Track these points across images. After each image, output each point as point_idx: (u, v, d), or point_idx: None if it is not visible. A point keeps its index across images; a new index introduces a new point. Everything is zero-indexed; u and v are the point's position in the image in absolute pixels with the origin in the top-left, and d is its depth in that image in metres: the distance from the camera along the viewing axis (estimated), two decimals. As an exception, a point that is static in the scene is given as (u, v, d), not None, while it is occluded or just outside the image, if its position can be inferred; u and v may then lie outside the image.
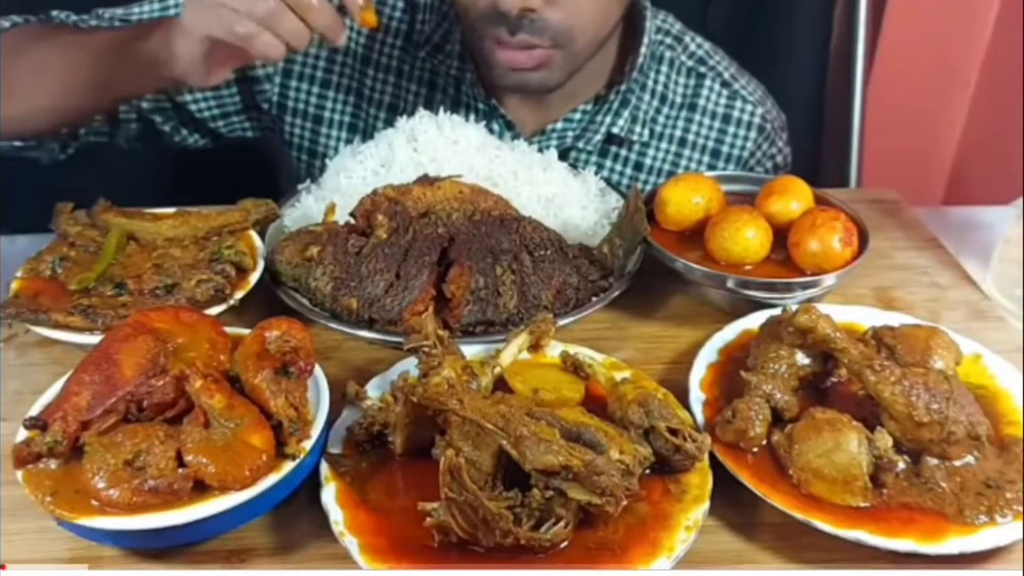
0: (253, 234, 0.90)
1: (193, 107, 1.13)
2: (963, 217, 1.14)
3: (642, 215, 0.87)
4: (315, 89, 1.15)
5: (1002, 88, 1.68)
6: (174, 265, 0.83)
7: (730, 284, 0.84)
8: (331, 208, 0.92)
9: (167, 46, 0.86)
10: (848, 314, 0.83)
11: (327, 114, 1.16)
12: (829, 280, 0.84)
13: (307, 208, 0.99)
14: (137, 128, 1.11)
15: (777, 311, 0.77)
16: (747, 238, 0.85)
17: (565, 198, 0.98)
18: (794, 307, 0.74)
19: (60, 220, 0.90)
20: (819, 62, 1.60)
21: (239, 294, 0.83)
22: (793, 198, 0.89)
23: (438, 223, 0.88)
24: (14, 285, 0.83)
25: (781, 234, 0.87)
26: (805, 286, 0.84)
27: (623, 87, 1.11)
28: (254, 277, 0.85)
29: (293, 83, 1.15)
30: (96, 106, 1.02)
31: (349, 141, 1.15)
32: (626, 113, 1.12)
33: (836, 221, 0.84)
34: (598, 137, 1.13)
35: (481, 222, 0.89)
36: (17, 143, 1.02)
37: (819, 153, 1.66)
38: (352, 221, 0.91)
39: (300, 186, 1.03)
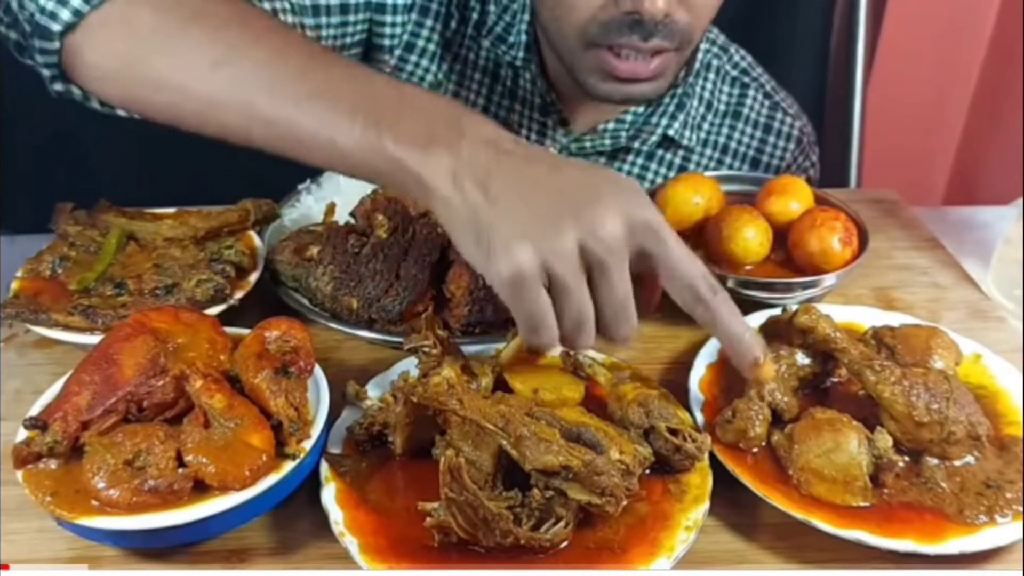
0: (253, 234, 0.90)
1: (316, 31, 1.06)
2: (963, 217, 1.14)
3: (642, 215, 0.87)
4: (425, 61, 1.15)
5: (1002, 87, 1.68)
6: (174, 265, 0.83)
7: (730, 284, 0.84)
8: (331, 208, 0.92)
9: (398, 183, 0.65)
10: (848, 314, 0.83)
11: None
12: (829, 280, 0.84)
13: (307, 208, 0.99)
14: None
15: (777, 311, 0.77)
16: (747, 238, 0.85)
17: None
18: (794, 307, 0.74)
19: (60, 220, 0.90)
20: (819, 62, 1.60)
21: (239, 294, 0.83)
22: (793, 198, 0.89)
23: (438, 223, 0.88)
24: (14, 285, 0.83)
25: (781, 234, 0.87)
26: (805, 286, 0.84)
27: (679, 90, 1.12)
28: (254, 277, 0.85)
29: (413, 57, 1.14)
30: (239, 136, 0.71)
31: None
32: (681, 116, 1.14)
33: (836, 221, 0.84)
34: (654, 138, 1.14)
35: (481, 222, 0.89)
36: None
37: (819, 153, 1.66)
38: (352, 221, 0.91)
39: (300, 186, 1.03)
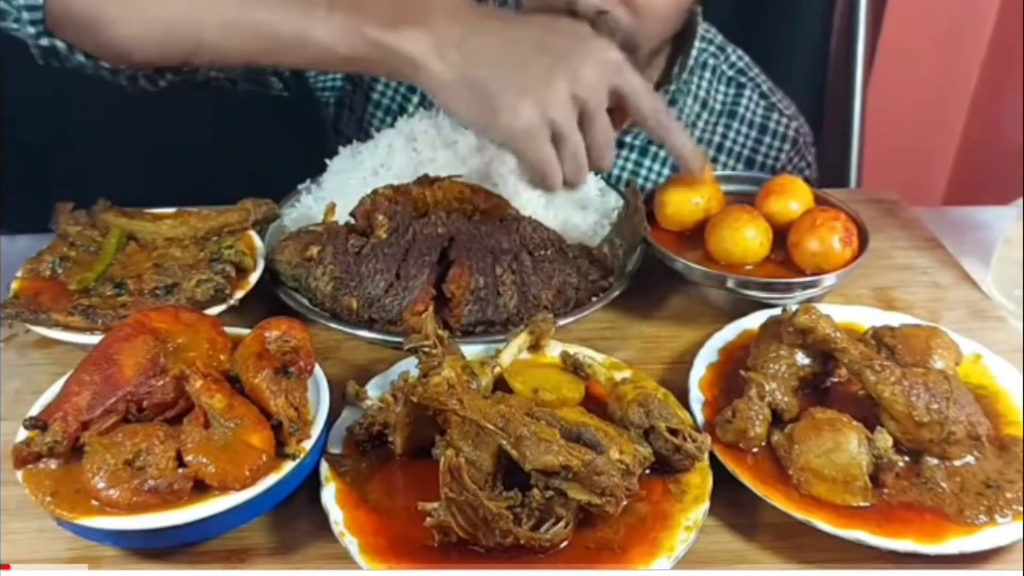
0: (253, 234, 0.90)
1: None
2: (963, 217, 1.14)
3: (642, 215, 0.87)
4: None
5: (1002, 88, 1.68)
6: (174, 265, 0.83)
7: (730, 284, 0.84)
8: (331, 208, 0.92)
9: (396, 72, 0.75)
10: (848, 314, 0.83)
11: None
12: (829, 280, 0.84)
13: (307, 208, 0.99)
14: (241, 70, 1.03)
15: (777, 311, 0.77)
16: (747, 238, 0.85)
17: (565, 198, 0.98)
18: (794, 307, 0.74)
19: (60, 220, 0.90)
20: (819, 62, 1.60)
21: (239, 294, 0.83)
22: (793, 198, 0.89)
23: (438, 223, 0.88)
24: (14, 285, 0.83)
25: (781, 234, 0.87)
26: (805, 286, 0.84)
27: (672, 87, 1.12)
28: (254, 277, 0.85)
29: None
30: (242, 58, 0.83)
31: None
32: (673, 113, 1.13)
33: (836, 221, 0.84)
34: (645, 133, 1.13)
35: (481, 222, 0.89)
36: (117, 67, 0.89)
37: (819, 153, 1.66)
38: (352, 221, 0.91)
39: (300, 186, 1.03)
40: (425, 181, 0.92)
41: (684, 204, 0.90)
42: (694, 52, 1.13)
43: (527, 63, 0.71)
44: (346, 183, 0.98)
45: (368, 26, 0.72)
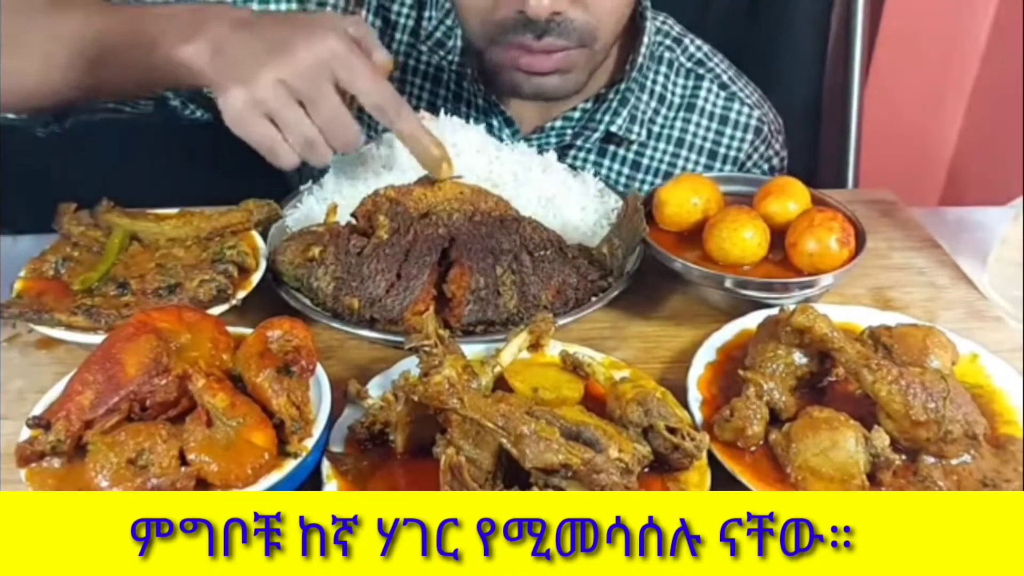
0: (255, 234, 0.91)
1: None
2: (960, 217, 1.14)
3: (641, 216, 0.88)
4: None
5: (999, 89, 1.68)
6: (177, 265, 0.84)
7: (728, 284, 0.84)
8: (333, 209, 0.93)
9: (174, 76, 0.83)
10: (845, 314, 0.84)
11: None
12: (826, 280, 0.84)
13: (309, 209, 0.99)
14: (147, 102, 1.07)
15: (775, 311, 0.78)
16: (745, 238, 0.85)
17: (565, 199, 0.99)
18: (791, 307, 0.74)
19: (63, 220, 0.90)
20: (817, 63, 1.60)
21: (241, 294, 0.83)
22: (790, 199, 0.90)
23: (439, 224, 0.88)
24: (17, 285, 0.83)
25: (779, 235, 0.88)
26: (802, 286, 0.85)
27: (622, 86, 1.11)
28: (256, 277, 0.86)
29: None
30: (84, 97, 0.95)
31: None
32: (625, 112, 1.12)
33: (833, 221, 0.85)
34: (596, 135, 1.13)
35: (481, 223, 0.89)
36: (9, 116, 0.97)
37: (817, 154, 1.66)
38: (353, 222, 0.92)
39: (302, 187, 1.04)
40: (426, 182, 0.92)
41: (683, 205, 0.90)
42: (643, 48, 1.11)
43: (247, 56, 0.78)
44: (348, 184, 0.99)
45: (169, 49, 0.80)
